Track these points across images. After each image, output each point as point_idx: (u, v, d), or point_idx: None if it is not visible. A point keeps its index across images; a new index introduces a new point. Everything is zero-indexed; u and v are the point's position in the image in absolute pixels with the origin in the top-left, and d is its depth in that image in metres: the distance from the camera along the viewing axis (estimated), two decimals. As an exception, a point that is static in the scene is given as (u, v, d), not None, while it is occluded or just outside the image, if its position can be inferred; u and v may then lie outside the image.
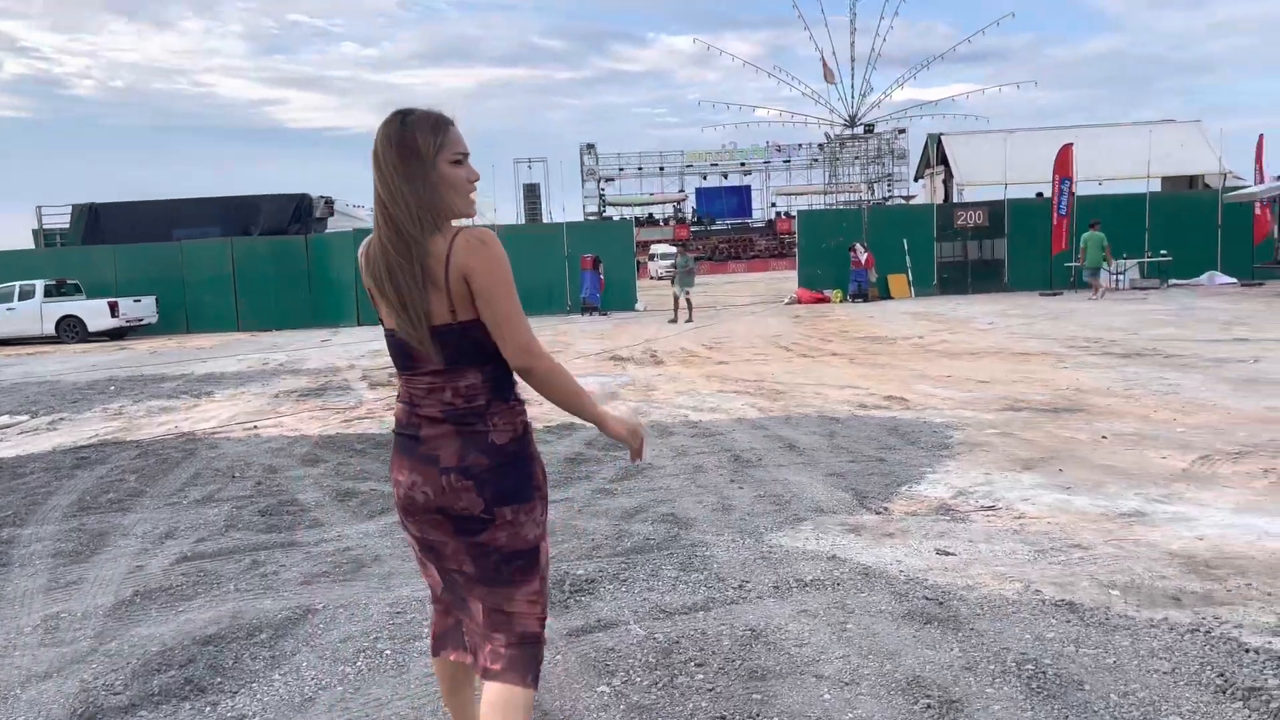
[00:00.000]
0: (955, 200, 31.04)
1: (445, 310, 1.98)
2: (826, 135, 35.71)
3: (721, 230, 67.45)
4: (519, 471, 2.06)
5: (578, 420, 7.91)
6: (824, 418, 7.63)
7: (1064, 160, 23.34)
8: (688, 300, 19.92)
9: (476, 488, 2.02)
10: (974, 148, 32.52)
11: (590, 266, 23.31)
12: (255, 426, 8.59)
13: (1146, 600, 3.49)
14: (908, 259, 24.34)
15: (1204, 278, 23.34)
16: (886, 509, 4.93)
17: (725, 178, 69.78)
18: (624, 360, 12.83)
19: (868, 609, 3.51)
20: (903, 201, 40.52)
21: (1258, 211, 22.86)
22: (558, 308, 24.56)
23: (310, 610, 3.74)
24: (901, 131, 45.45)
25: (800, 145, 65.37)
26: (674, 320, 19.54)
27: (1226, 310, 16.11)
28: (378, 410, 9.21)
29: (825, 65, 31.97)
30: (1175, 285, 22.91)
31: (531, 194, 62.96)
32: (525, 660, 2.10)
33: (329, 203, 28.58)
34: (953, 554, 4.16)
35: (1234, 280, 22.92)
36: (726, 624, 3.44)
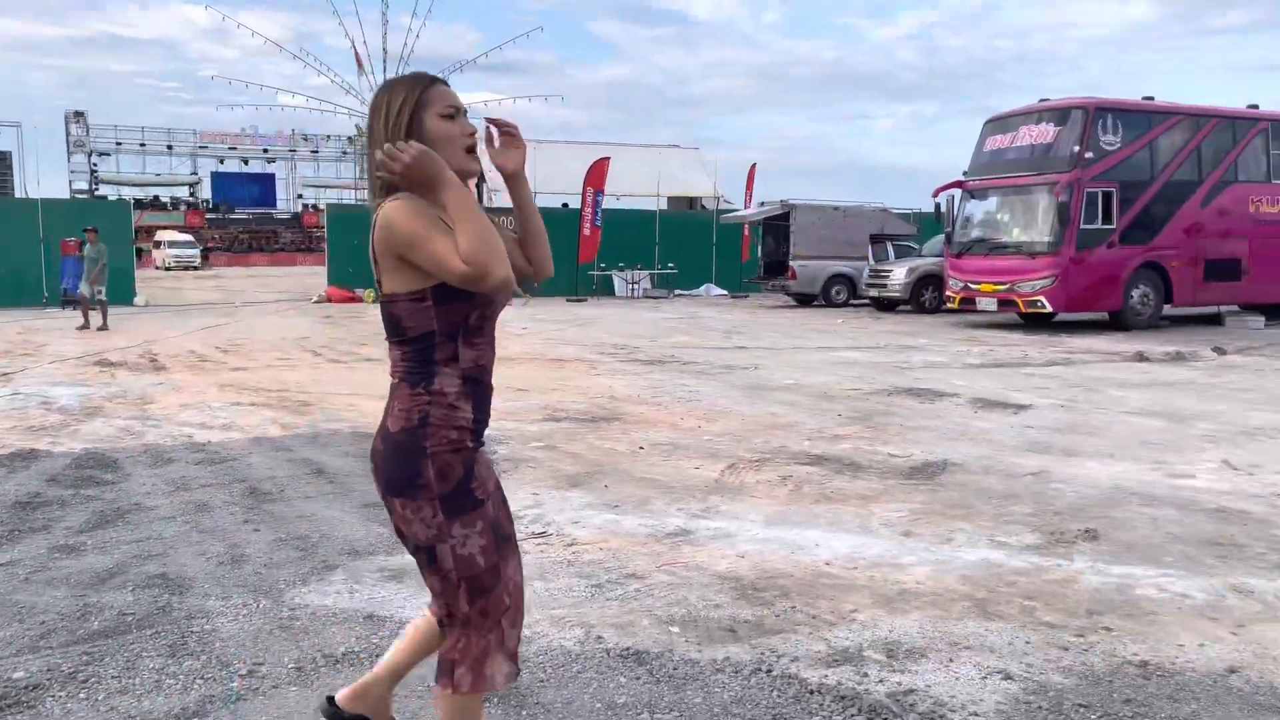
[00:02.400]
0: (487, 205, 31.49)
1: (379, 281, 1.99)
2: (357, 128, 34.39)
3: (241, 220, 62.23)
4: (405, 465, 1.98)
5: (39, 447, 6.33)
6: (359, 434, 6.87)
7: (598, 173, 24.61)
8: (99, 301, 15.35)
9: (375, 471, 2.05)
10: (505, 155, 33.26)
11: (76, 251, 19.81)
12: None
13: (705, 636, 3.32)
14: (442, 260, 24.10)
15: (702, 289, 26.14)
16: (430, 544, 4.37)
17: (246, 164, 64.54)
18: (114, 365, 10.83)
19: (413, 687, 2.90)
20: (436, 202, 40.41)
21: (745, 232, 26.07)
22: (32, 299, 20.58)
23: None
24: (435, 132, 45.23)
25: (330, 136, 62.55)
26: (84, 326, 15.28)
27: (724, 320, 18.00)
28: None
29: (357, 52, 30.72)
30: (680, 295, 25.35)
31: (0, 164, 52.87)
32: (442, 664, 2.07)
33: None
34: (506, 596, 3.71)
35: (725, 292, 25.94)
36: (231, 735, 2.63)
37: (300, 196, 66.12)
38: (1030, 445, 6.51)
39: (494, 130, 2.14)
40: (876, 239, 21.18)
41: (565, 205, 27.46)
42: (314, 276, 31.50)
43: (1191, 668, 3.04)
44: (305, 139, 63.56)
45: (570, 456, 6.17)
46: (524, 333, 15.14)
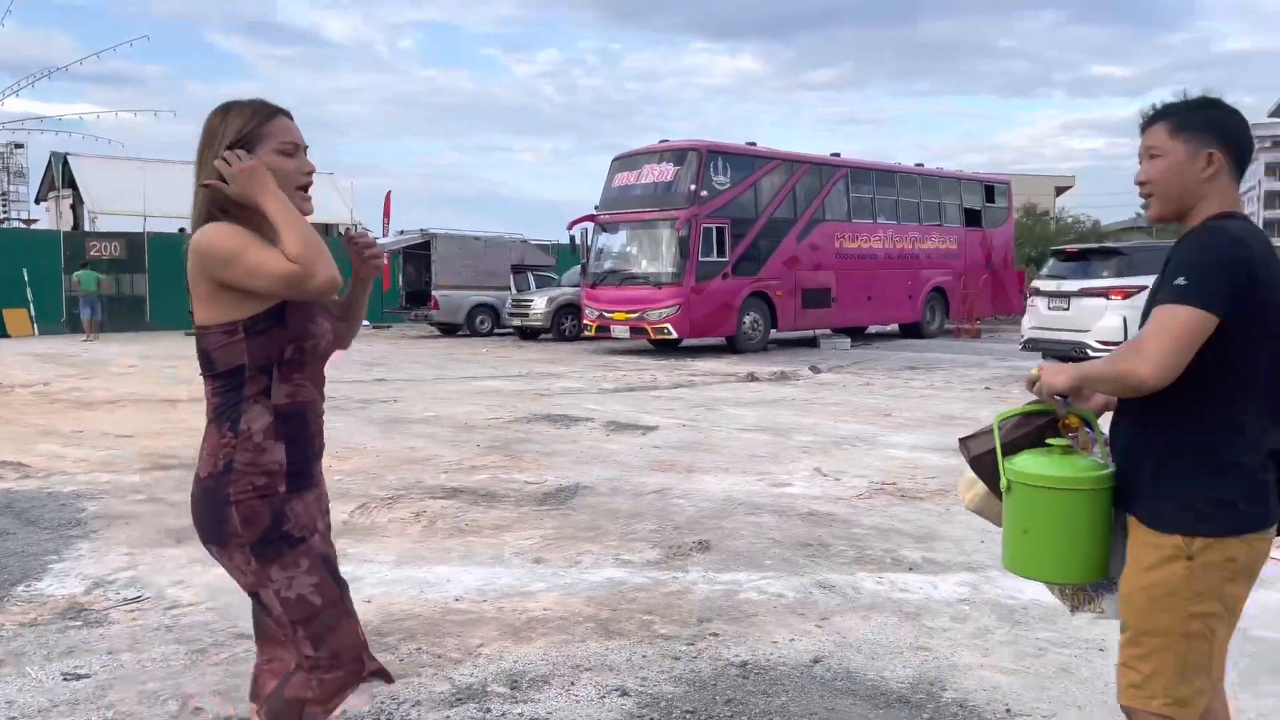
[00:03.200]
0: (87, 229, 28.09)
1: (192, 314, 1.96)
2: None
3: None
4: (212, 511, 1.93)
5: None
6: (-99, 499, 5.74)
7: (209, 197, 22.84)
8: None
9: (192, 516, 2.00)
10: (107, 173, 29.80)
11: None
12: None
13: (323, 692, 3.10)
14: (29, 291, 21.11)
15: (342, 320, 25.13)
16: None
17: None
18: None
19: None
20: (23, 225, 35.42)
21: (385, 261, 25.50)
22: None
23: None
24: (19, 146, 39.91)
25: None
26: None
27: (364, 351, 17.40)
28: None
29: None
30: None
31: None
32: (290, 703, 1.99)
33: None
34: (86, 675, 3.24)
35: (367, 322, 25.12)
36: None
37: None
38: (656, 464, 6.88)
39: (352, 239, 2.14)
40: (518, 269, 21.62)
41: (182, 230, 25.18)
42: None
43: (783, 662, 3.33)
44: None
45: (176, 508, 5.55)
46: (132, 370, 13.61)
